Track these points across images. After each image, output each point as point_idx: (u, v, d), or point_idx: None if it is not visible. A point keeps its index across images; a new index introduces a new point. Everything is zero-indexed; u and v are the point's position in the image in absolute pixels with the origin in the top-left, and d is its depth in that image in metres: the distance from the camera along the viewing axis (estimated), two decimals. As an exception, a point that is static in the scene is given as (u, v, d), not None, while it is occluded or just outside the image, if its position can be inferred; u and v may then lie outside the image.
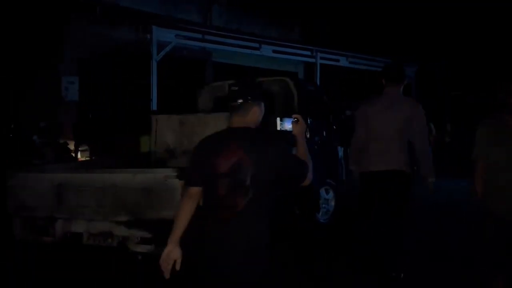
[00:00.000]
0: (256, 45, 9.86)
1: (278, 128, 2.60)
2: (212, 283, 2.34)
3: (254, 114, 2.39)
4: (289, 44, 10.71)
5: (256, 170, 2.27)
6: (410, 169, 3.90)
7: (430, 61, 14.16)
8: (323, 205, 6.30)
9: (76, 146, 9.21)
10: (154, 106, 8.26)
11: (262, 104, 2.42)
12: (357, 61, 11.64)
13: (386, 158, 3.82)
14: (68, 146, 8.82)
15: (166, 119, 5.54)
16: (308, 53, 10.84)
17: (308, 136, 2.80)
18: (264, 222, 2.34)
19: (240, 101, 2.36)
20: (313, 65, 12.22)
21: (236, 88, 2.40)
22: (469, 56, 14.40)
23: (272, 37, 11.97)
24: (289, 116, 2.65)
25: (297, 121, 2.52)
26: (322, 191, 6.28)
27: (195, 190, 2.42)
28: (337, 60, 11.22)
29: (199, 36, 8.97)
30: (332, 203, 6.43)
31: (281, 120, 2.86)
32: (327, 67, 11.29)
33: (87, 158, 9.10)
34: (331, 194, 6.42)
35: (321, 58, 10.80)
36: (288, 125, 2.55)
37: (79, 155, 9.22)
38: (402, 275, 4.01)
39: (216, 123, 5.31)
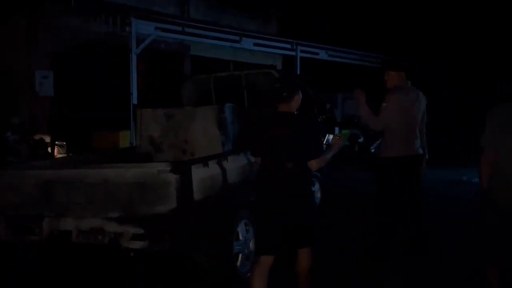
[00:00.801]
0: (237, 38, 9.77)
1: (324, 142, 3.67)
2: (269, 225, 3.24)
3: (296, 101, 3.32)
4: (270, 37, 10.68)
5: (295, 143, 3.18)
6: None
7: (430, 61, 14.21)
8: (310, 197, 6.30)
9: (52, 143, 8.95)
10: (134, 100, 8.09)
11: (300, 92, 3.33)
12: (337, 54, 11.70)
13: (413, 144, 4.38)
14: (45, 142, 8.55)
15: (152, 113, 5.42)
16: (288, 46, 10.82)
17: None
18: (305, 180, 3.30)
19: (285, 93, 3.26)
20: (292, 59, 12.24)
21: (279, 85, 3.36)
22: (468, 55, 14.45)
23: (250, 30, 11.91)
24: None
25: (338, 137, 3.47)
26: (309, 183, 6.29)
27: (258, 159, 3.44)
28: (317, 53, 11.26)
29: (179, 28, 8.81)
30: (318, 195, 6.45)
31: (327, 136, 3.67)
32: (307, 60, 11.32)
33: (64, 155, 8.85)
34: (317, 186, 6.44)
35: (301, 51, 10.80)
36: (329, 139, 3.57)
37: (55, 152, 8.96)
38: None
39: (203, 116, 5.25)
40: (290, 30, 13.70)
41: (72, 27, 8.98)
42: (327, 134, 3.58)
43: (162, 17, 9.10)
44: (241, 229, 4.25)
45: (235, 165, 4.18)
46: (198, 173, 3.60)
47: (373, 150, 11.94)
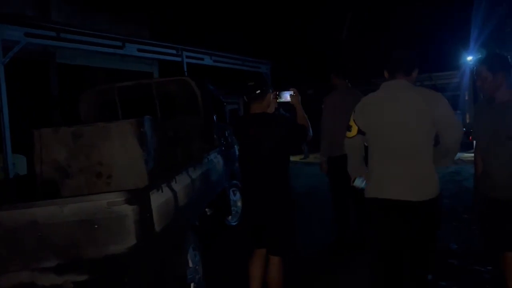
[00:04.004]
0: (119, 43, 8.97)
1: (280, 100, 3.56)
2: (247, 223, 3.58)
3: (268, 100, 3.41)
4: (154, 42, 10.04)
5: (270, 143, 3.30)
6: None
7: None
8: (232, 207, 6.07)
9: None
10: (6, 118, 6.81)
11: (271, 91, 3.43)
12: (221, 60, 11.58)
13: None
14: None
15: (54, 133, 4.58)
16: (174, 51, 10.34)
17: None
18: (282, 175, 3.38)
19: (258, 91, 3.36)
20: (169, 65, 11.75)
21: (253, 83, 3.39)
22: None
23: (122, 35, 11.09)
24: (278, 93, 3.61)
25: (294, 93, 3.51)
26: (230, 193, 6.05)
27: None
28: (202, 59, 10.97)
29: (53, 34, 7.71)
30: (239, 204, 6.25)
31: (278, 94, 3.57)
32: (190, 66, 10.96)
33: None
34: (238, 195, 6.24)
35: (187, 56, 10.41)
36: (286, 97, 3.53)
37: None
38: None
39: (120, 132, 4.62)
40: (164, 34, 13.15)
41: None
42: (283, 93, 3.57)
43: (31, 20, 7.86)
44: (190, 255, 3.85)
45: (181, 185, 3.75)
46: (156, 200, 3.11)
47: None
